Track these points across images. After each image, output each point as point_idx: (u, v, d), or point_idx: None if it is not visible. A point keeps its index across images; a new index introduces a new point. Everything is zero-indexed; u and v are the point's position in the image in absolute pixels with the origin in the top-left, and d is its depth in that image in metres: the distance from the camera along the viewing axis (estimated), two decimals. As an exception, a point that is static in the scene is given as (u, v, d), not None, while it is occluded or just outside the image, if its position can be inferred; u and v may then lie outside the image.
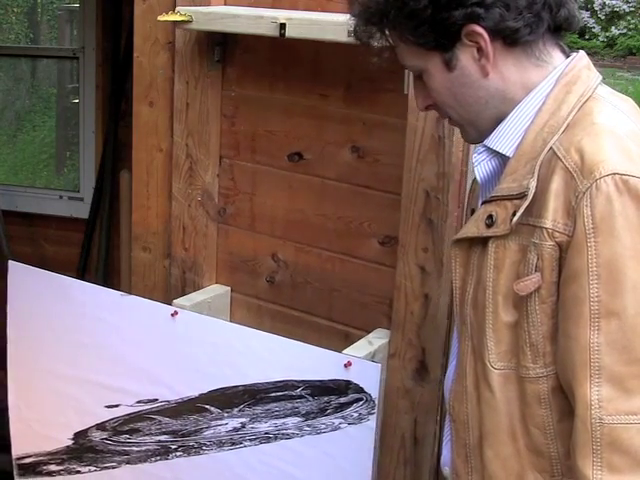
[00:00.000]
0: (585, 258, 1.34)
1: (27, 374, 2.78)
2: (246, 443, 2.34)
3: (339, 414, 2.07)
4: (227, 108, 2.67)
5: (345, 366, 2.03)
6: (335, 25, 1.94)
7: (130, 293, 2.68)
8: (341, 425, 2.07)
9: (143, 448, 2.56)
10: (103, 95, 3.57)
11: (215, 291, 2.79)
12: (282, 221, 2.62)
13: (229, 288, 2.80)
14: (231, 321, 2.73)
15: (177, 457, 2.50)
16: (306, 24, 2.01)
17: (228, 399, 2.35)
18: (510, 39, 1.46)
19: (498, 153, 1.53)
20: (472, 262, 1.56)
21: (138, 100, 2.79)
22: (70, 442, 2.69)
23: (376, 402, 2.01)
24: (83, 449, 2.67)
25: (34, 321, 2.73)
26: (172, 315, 2.46)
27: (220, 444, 2.40)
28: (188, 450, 2.47)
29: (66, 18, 4.54)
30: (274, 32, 2.08)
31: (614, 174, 1.34)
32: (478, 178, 1.58)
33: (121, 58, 3.52)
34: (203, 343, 2.40)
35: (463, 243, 1.58)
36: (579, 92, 1.48)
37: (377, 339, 2.22)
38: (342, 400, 2.05)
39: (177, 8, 2.46)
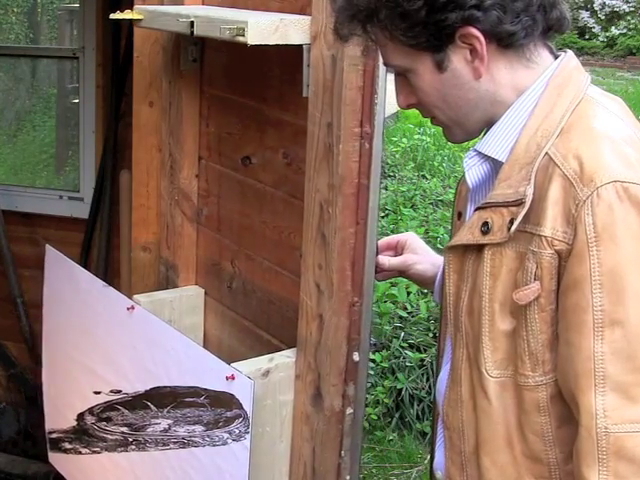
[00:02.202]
0: (587, 267, 1.29)
1: (53, 354, 2.82)
2: (171, 445, 2.26)
3: (227, 428, 1.91)
4: (203, 108, 2.57)
5: (227, 379, 1.88)
6: (225, 23, 1.78)
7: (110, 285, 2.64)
8: (228, 440, 1.91)
9: (113, 437, 2.53)
10: (103, 95, 3.48)
11: (185, 291, 2.70)
12: (237, 226, 2.49)
13: (203, 290, 2.70)
14: (204, 324, 2.66)
15: (132, 450, 2.45)
16: (205, 22, 1.86)
17: (162, 399, 2.28)
18: (505, 42, 1.40)
19: (490, 157, 1.47)
20: (467, 269, 1.49)
21: (138, 100, 2.72)
22: (75, 423, 2.70)
23: (250, 421, 1.84)
24: (81, 431, 2.68)
25: (58, 304, 2.76)
26: (128, 309, 2.41)
27: (156, 443, 2.33)
28: (139, 445, 2.42)
29: (66, 18, 4.49)
30: (187, 30, 1.95)
31: (615, 182, 1.29)
32: (469, 183, 1.50)
33: (121, 58, 3.42)
34: (148, 340, 2.35)
35: (457, 249, 1.50)
36: (571, 94, 1.42)
37: (283, 357, 2.02)
38: (229, 414, 1.89)
39: (135, 7, 2.37)
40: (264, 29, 1.73)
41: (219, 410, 1.94)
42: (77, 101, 3.63)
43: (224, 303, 2.60)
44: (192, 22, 1.95)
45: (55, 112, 4.46)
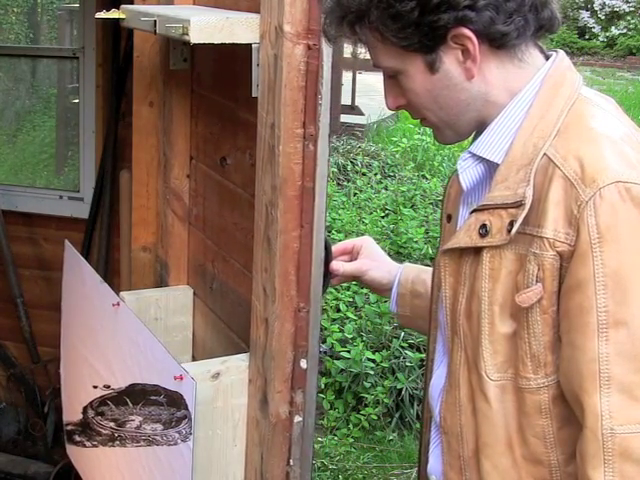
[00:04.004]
0: (591, 268, 1.27)
1: (67, 348, 2.83)
2: (141, 443, 2.22)
3: (177, 428, 1.86)
4: (194, 108, 2.53)
5: (175, 378, 1.83)
6: (176, 22, 1.74)
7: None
8: (178, 440, 1.86)
9: (105, 432, 2.51)
10: (103, 95, 3.44)
11: (173, 291, 2.66)
12: (217, 227, 2.43)
13: (192, 290, 2.66)
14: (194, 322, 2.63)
15: (117, 445, 2.42)
16: (164, 21, 1.82)
17: (136, 396, 2.25)
18: (498, 42, 1.37)
19: (485, 159, 1.44)
20: (463, 271, 1.45)
21: (138, 100, 2.68)
22: (81, 416, 2.69)
23: (193, 422, 1.79)
24: (85, 424, 2.67)
25: (71, 299, 2.77)
26: (113, 306, 2.38)
27: (132, 439, 2.30)
28: (121, 440, 2.39)
29: (66, 18, 4.46)
30: (152, 29, 1.91)
31: (617, 182, 1.27)
32: (464, 185, 1.46)
33: (121, 58, 3.38)
34: (128, 337, 2.32)
35: (453, 252, 1.47)
36: (566, 94, 1.39)
37: (237, 360, 1.95)
38: (178, 414, 1.84)
39: (121, 6, 2.33)
40: (208, 28, 1.68)
41: (172, 410, 1.90)
42: (77, 101, 3.60)
43: (207, 304, 2.55)
44: (155, 21, 1.91)
45: (55, 112, 4.44)
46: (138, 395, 2.23)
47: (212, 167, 2.44)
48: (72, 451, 2.82)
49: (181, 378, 1.81)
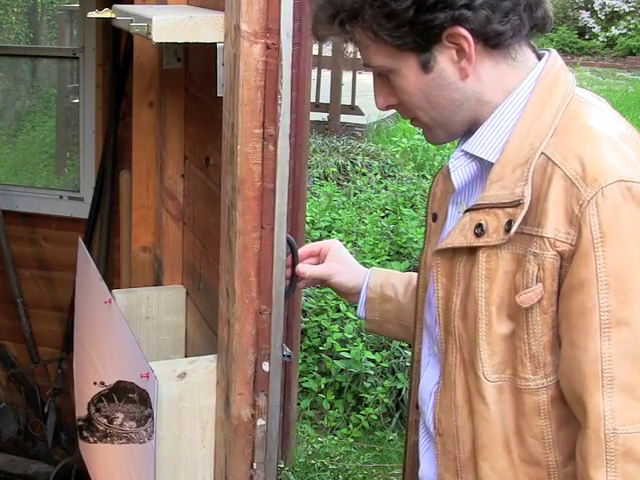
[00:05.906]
0: (593, 267, 1.25)
1: (77, 344, 2.84)
2: (123, 440, 2.20)
3: (145, 426, 1.85)
4: (187, 108, 2.51)
5: (142, 376, 1.81)
6: (143, 21, 1.71)
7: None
8: (145, 439, 1.85)
9: (101, 428, 2.49)
10: (103, 95, 3.44)
11: (165, 290, 2.65)
12: (203, 227, 2.42)
13: (184, 290, 2.65)
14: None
15: (108, 442, 2.41)
16: (136, 21, 1.80)
17: (120, 393, 2.24)
18: (493, 42, 1.36)
19: (477, 158, 1.42)
20: (457, 272, 1.42)
21: (138, 100, 2.68)
22: (87, 412, 2.67)
23: (155, 421, 1.77)
24: (89, 420, 2.66)
25: (79, 295, 2.78)
26: (105, 303, 2.39)
27: (117, 436, 2.28)
28: (111, 437, 2.37)
29: (66, 18, 4.47)
30: (130, 28, 1.90)
31: (619, 181, 1.26)
32: (455, 184, 1.43)
33: (121, 58, 3.38)
34: (116, 334, 2.31)
35: (446, 252, 1.44)
36: (561, 94, 1.38)
37: (205, 361, 1.92)
38: (146, 413, 1.83)
39: (114, 6, 2.33)
40: (170, 27, 1.66)
41: (142, 408, 1.89)
42: (77, 101, 3.60)
43: (196, 304, 2.54)
44: (131, 21, 1.89)
45: (55, 112, 4.44)
46: (121, 392, 2.22)
47: (200, 167, 2.43)
48: (82, 447, 2.82)
49: (147, 376, 1.80)
